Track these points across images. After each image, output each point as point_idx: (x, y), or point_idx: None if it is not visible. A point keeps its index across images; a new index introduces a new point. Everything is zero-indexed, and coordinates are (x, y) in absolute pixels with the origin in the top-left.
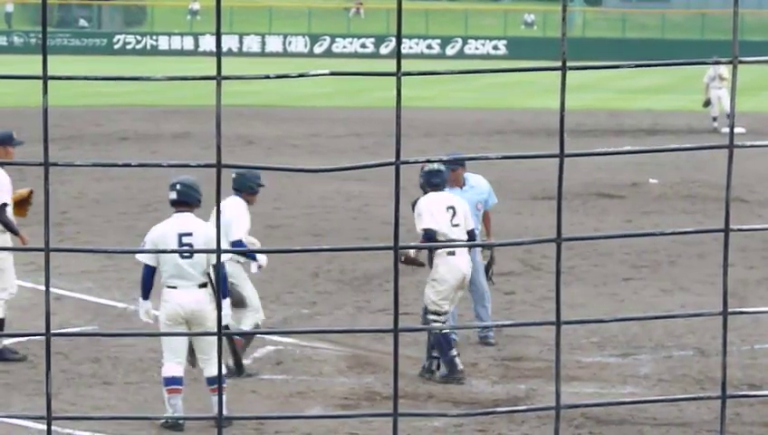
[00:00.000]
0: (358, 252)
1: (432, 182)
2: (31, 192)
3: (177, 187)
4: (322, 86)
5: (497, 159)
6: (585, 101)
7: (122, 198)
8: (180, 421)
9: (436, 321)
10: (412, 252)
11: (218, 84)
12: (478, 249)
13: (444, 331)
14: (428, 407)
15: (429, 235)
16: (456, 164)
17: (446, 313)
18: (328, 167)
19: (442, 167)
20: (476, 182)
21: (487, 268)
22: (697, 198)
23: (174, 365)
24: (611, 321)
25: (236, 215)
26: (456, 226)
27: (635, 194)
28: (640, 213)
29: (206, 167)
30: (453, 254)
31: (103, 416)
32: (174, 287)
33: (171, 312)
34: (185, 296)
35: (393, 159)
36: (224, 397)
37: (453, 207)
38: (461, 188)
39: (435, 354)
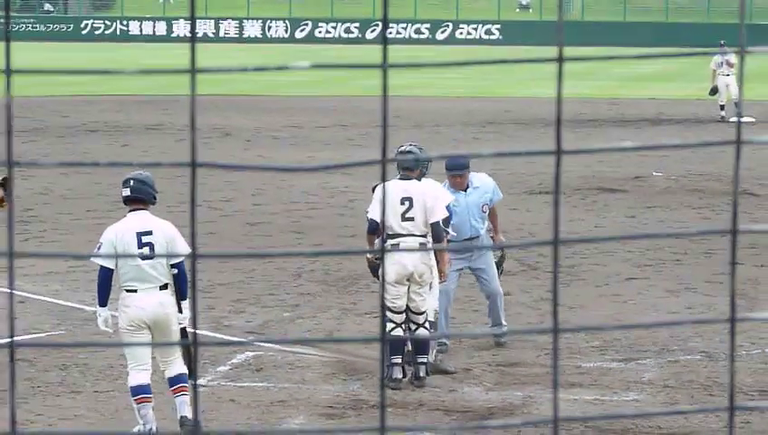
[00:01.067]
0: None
1: (402, 165)
2: (4, 179)
3: (131, 183)
4: (304, 74)
5: (489, 156)
6: (584, 88)
7: (91, 194)
8: (153, 433)
9: (389, 320)
10: (367, 255)
11: (192, 78)
12: (487, 245)
13: (396, 334)
14: (419, 416)
15: (371, 226)
16: (458, 170)
17: (401, 310)
18: (311, 165)
19: (415, 149)
20: (481, 181)
21: (498, 264)
22: (705, 192)
23: (141, 373)
24: (612, 329)
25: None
26: (410, 219)
27: (638, 188)
28: (644, 208)
29: (180, 166)
30: (396, 247)
31: (71, 431)
32: (134, 290)
33: (133, 316)
34: (147, 299)
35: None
36: (188, 400)
37: (410, 199)
38: (464, 191)
39: (421, 359)
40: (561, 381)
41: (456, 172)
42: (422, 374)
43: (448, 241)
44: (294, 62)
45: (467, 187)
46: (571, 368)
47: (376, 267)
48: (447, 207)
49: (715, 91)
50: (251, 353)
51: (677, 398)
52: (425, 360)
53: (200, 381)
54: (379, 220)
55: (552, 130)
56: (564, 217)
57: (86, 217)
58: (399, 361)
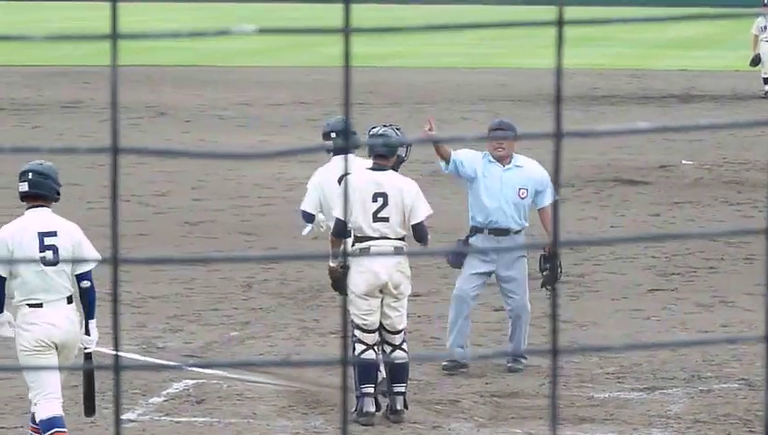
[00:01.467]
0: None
1: (375, 151)
2: None
3: (29, 176)
4: (254, 40)
5: (473, 140)
6: (599, 57)
7: None
8: None
9: (359, 341)
10: (330, 262)
11: (114, 45)
12: (520, 253)
13: (366, 357)
14: None
15: (337, 227)
16: (501, 130)
17: (372, 329)
18: (262, 151)
19: (389, 131)
20: (523, 163)
21: (550, 281)
22: (745, 185)
23: (51, 402)
24: (625, 349)
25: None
26: (383, 220)
27: (663, 180)
28: (670, 204)
29: (99, 152)
30: (367, 251)
31: None
32: (39, 305)
33: (41, 335)
34: (56, 314)
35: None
36: None
37: (383, 195)
38: (501, 165)
39: (397, 389)
40: (568, 415)
41: (499, 133)
42: (398, 407)
43: (473, 228)
44: (238, 26)
45: (507, 161)
46: (581, 399)
47: (340, 279)
48: (473, 184)
49: (757, 61)
50: (191, 382)
51: (709, 431)
52: (402, 389)
53: (129, 416)
54: (344, 219)
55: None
56: (574, 214)
57: None
58: (371, 390)
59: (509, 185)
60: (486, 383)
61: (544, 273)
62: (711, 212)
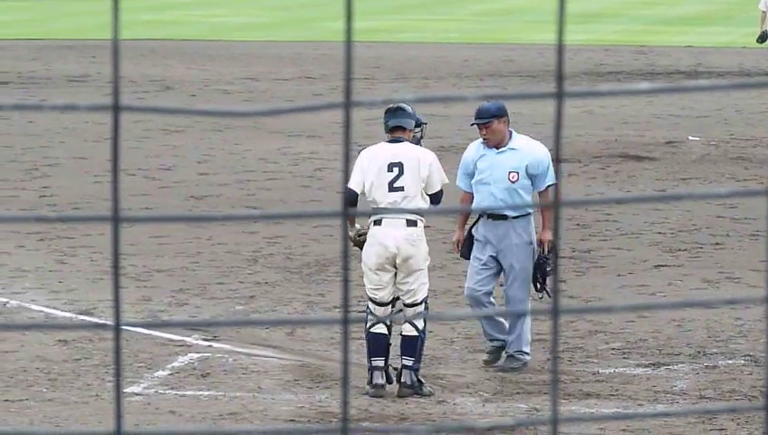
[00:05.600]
0: (308, 231)
1: (388, 124)
2: None
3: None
4: (261, 14)
5: (474, 99)
6: (606, 33)
7: (1, 161)
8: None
9: (371, 313)
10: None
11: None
12: (517, 234)
13: (377, 331)
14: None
15: (349, 197)
16: (479, 118)
17: (383, 302)
18: (254, 109)
19: (405, 105)
20: (521, 145)
21: (540, 269)
22: (752, 161)
23: None
24: (623, 310)
25: None
26: (398, 189)
27: (670, 155)
28: (677, 179)
29: (101, 110)
30: (378, 223)
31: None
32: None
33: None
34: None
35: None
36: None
37: (399, 165)
38: (496, 148)
39: (406, 361)
40: (574, 390)
41: (477, 121)
42: (406, 380)
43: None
44: None
45: (502, 144)
46: (586, 374)
47: (360, 246)
48: (466, 168)
49: (764, 37)
50: (196, 355)
51: (715, 410)
52: (409, 363)
53: (134, 389)
54: (358, 189)
55: (567, 85)
56: (581, 189)
57: None
58: (382, 363)
59: (500, 168)
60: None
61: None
62: (717, 188)
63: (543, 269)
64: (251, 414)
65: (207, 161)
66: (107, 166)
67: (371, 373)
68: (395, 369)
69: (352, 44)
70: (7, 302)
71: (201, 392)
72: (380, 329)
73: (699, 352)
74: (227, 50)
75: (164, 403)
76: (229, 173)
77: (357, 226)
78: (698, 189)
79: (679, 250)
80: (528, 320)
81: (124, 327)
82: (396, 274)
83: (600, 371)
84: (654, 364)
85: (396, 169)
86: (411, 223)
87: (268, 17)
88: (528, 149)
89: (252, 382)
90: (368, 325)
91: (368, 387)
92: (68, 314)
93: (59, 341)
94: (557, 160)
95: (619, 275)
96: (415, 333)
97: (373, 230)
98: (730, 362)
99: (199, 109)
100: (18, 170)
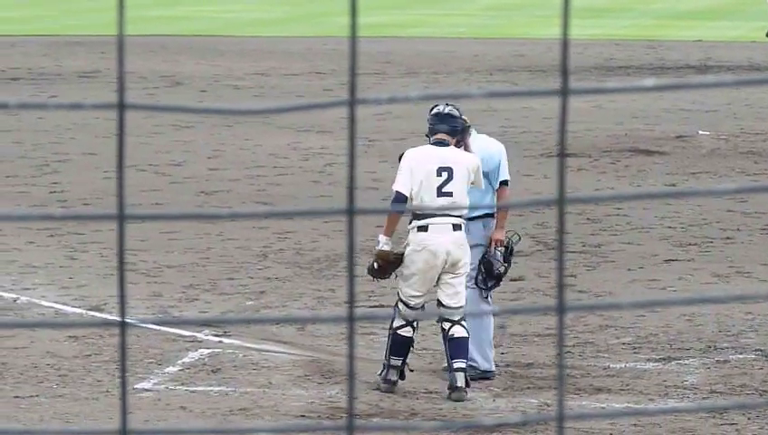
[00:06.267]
0: (318, 227)
1: (435, 129)
2: None
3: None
4: (272, 10)
5: (480, 96)
6: (616, 27)
7: (12, 157)
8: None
9: (399, 313)
10: (382, 242)
11: None
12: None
13: (405, 333)
14: (409, 429)
15: (398, 199)
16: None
17: (415, 307)
18: (261, 107)
19: (454, 111)
20: (481, 148)
21: (485, 268)
22: (762, 155)
23: None
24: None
25: None
26: (446, 195)
27: (680, 150)
28: (687, 174)
29: (106, 108)
30: (425, 229)
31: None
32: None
33: None
34: None
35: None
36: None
37: (449, 169)
38: None
39: (458, 365)
40: (585, 385)
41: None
42: (459, 384)
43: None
44: None
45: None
46: (597, 369)
47: (392, 265)
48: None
49: None
50: (206, 351)
51: (727, 406)
52: (462, 365)
53: (144, 385)
54: (407, 193)
55: (574, 80)
56: (590, 184)
57: (5, 185)
58: (400, 363)
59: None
60: (502, 353)
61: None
62: (728, 183)
63: (489, 268)
64: (261, 410)
65: (218, 157)
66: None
67: (387, 369)
68: (411, 370)
69: (357, 40)
70: (18, 298)
71: (211, 388)
72: (408, 332)
73: (710, 347)
74: (238, 45)
75: (174, 399)
76: (239, 169)
77: (388, 246)
78: (707, 185)
79: (690, 244)
80: (489, 328)
81: (131, 321)
82: (440, 278)
83: (611, 365)
84: (664, 359)
85: (445, 174)
86: (457, 227)
87: (278, 13)
88: (483, 151)
89: (262, 378)
90: (395, 325)
91: (379, 380)
92: (78, 310)
93: (69, 337)
94: (562, 155)
95: (629, 270)
96: (465, 335)
97: (420, 236)
98: (741, 356)
99: (204, 107)
100: (28, 166)
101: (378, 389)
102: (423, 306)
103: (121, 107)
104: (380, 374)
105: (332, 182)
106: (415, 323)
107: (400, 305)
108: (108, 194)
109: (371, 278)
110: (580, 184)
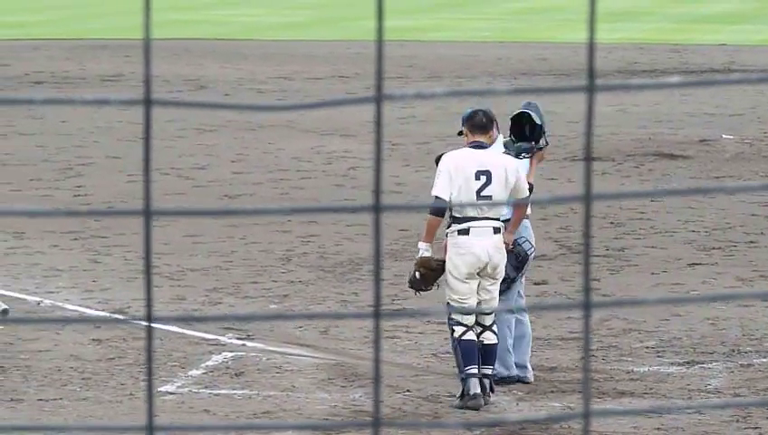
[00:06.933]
0: (341, 230)
1: (473, 128)
2: None
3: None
4: (295, 13)
5: (505, 93)
6: (639, 31)
7: (35, 160)
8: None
9: (458, 323)
10: (422, 249)
11: None
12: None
13: (469, 337)
14: (433, 432)
15: (438, 205)
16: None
17: (471, 305)
18: (284, 104)
19: (489, 110)
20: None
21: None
22: None
23: None
24: (655, 303)
25: None
26: (486, 198)
27: (704, 154)
28: (711, 178)
29: (132, 104)
30: (466, 233)
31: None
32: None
33: None
34: None
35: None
36: None
37: (487, 173)
38: None
39: (485, 370)
40: (608, 388)
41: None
42: (476, 390)
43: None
44: None
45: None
46: (620, 373)
47: (435, 272)
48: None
49: None
50: (229, 354)
51: (751, 410)
52: (490, 371)
53: (168, 388)
54: (446, 197)
55: (600, 82)
56: (613, 187)
57: (29, 188)
58: (476, 371)
59: None
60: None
61: None
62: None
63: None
64: (285, 413)
65: (241, 160)
66: (140, 165)
67: (467, 383)
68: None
69: (383, 42)
70: (41, 301)
71: (235, 391)
72: (472, 336)
73: (733, 351)
74: (261, 49)
75: (198, 402)
76: (263, 172)
77: (429, 253)
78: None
79: (713, 248)
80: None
81: (156, 325)
82: (479, 282)
83: (635, 369)
84: (688, 363)
85: (483, 178)
86: (497, 231)
87: (302, 16)
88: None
89: (286, 381)
90: (456, 335)
91: (459, 401)
92: (101, 313)
93: (93, 340)
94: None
95: (652, 274)
96: (496, 341)
97: (461, 240)
98: (765, 360)
99: (231, 103)
100: (52, 170)
101: (464, 407)
102: (479, 302)
103: (148, 103)
104: (461, 393)
105: (356, 186)
106: (475, 327)
107: (455, 316)
108: (131, 197)
109: (414, 292)
110: (604, 188)
